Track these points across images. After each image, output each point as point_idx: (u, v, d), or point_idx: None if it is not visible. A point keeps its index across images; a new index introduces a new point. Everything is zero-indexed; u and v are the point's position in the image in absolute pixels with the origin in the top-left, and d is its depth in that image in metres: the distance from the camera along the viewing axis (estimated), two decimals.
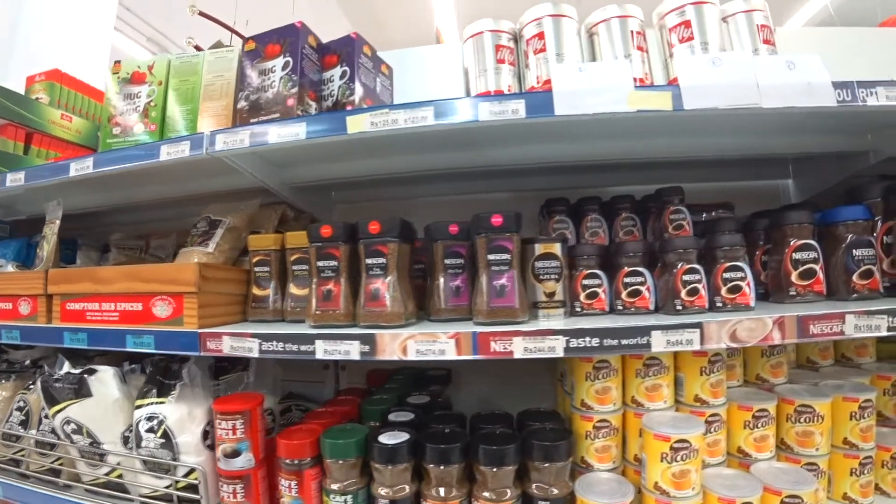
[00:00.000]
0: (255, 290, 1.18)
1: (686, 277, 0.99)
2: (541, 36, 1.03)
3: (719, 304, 1.00)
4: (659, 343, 0.88)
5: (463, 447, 0.95)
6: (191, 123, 1.19)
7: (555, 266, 1.00)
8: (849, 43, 2.00)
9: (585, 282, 1.05)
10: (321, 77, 1.18)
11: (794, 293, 1.05)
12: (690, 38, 1.00)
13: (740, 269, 1.00)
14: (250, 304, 1.17)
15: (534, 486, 0.94)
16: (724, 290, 1.00)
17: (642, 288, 1.03)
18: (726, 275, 1.00)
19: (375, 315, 0.97)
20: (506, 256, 0.96)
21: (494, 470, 0.93)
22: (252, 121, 1.11)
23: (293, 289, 1.14)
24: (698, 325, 0.88)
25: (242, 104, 1.13)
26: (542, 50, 1.02)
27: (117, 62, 1.22)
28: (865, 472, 1.02)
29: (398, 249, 0.99)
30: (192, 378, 1.10)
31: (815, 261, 1.05)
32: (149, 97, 1.20)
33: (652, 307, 1.04)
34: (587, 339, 0.88)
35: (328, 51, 1.19)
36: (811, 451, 1.01)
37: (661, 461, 0.91)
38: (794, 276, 1.06)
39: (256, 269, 1.18)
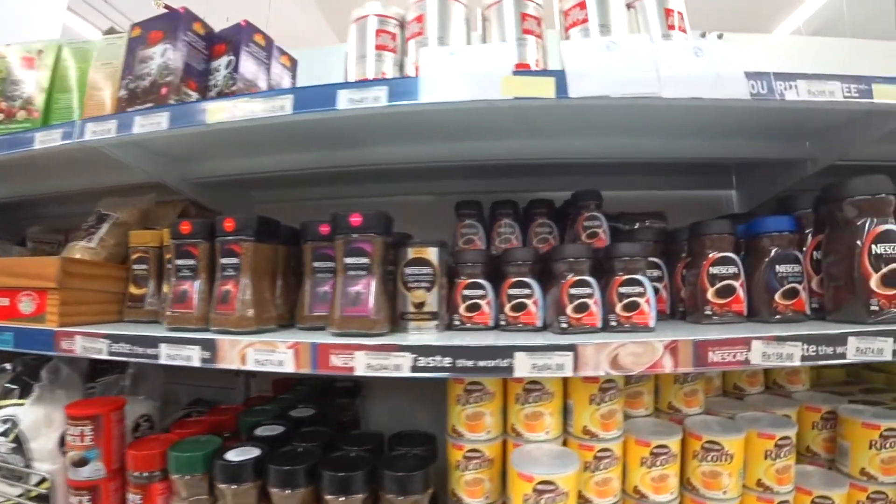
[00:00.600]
0: (133, 289, 1.11)
1: (574, 291, 0.87)
2: (420, 19, 0.93)
3: (613, 324, 0.87)
4: (523, 367, 0.77)
5: (308, 470, 0.85)
6: (78, 111, 1.14)
7: (426, 273, 0.90)
8: (842, 52, 1.84)
9: (466, 292, 0.94)
10: (208, 66, 1.11)
11: (711, 313, 0.93)
12: (585, 21, 0.89)
13: (639, 283, 0.88)
14: (126, 304, 1.11)
15: None
16: (619, 308, 0.87)
17: (528, 301, 0.92)
18: (622, 289, 0.88)
19: (223, 319, 0.88)
20: (364, 260, 0.86)
21: (341, 499, 0.83)
22: (128, 110, 1.04)
23: (167, 288, 1.07)
24: (572, 348, 0.77)
25: (122, 92, 1.07)
26: (420, 34, 0.92)
27: (8, 45, 1.18)
28: None
29: (254, 249, 0.90)
30: (52, 379, 1.04)
31: (735, 276, 0.92)
32: (35, 83, 1.15)
33: (540, 324, 0.92)
34: (437, 358, 0.77)
35: (218, 39, 1.12)
36: (718, 494, 0.88)
37: None
38: (710, 294, 0.93)
39: (135, 266, 1.11)
